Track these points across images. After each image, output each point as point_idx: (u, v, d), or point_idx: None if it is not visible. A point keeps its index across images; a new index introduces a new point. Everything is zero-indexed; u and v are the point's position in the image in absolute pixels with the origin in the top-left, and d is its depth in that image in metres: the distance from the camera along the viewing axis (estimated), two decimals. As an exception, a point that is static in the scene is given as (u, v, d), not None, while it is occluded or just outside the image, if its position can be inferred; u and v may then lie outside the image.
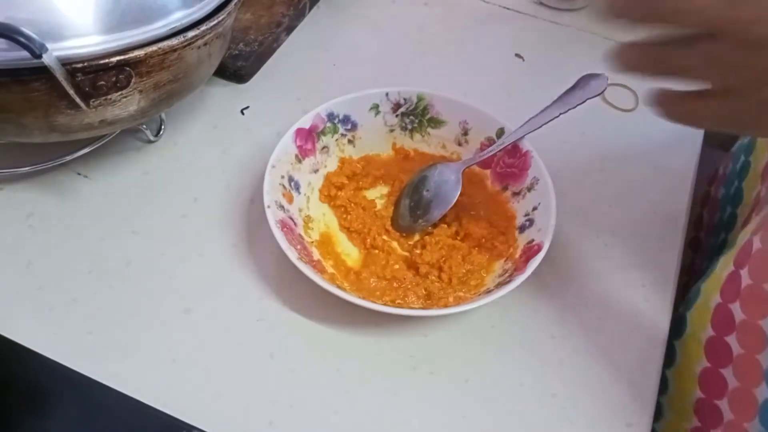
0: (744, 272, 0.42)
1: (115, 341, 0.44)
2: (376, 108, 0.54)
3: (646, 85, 0.34)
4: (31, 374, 0.44)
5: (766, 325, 0.41)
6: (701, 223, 0.59)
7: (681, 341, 0.48)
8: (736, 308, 0.43)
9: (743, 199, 0.52)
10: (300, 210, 0.50)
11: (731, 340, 0.43)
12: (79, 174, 0.53)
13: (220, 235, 0.50)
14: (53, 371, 0.43)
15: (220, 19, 0.48)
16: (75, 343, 0.44)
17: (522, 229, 0.49)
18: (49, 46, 0.40)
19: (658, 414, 0.50)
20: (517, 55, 0.65)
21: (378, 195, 0.54)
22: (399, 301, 0.46)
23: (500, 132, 0.53)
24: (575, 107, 0.50)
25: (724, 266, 0.45)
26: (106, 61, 0.42)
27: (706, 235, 0.58)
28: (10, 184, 0.52)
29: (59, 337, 0.44)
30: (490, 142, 0.53)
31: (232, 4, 0.50)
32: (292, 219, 0.48)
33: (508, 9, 0.72)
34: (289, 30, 0.66)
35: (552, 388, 0.44)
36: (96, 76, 0.42)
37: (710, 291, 0.46)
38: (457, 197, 0.51)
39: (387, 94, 0.54)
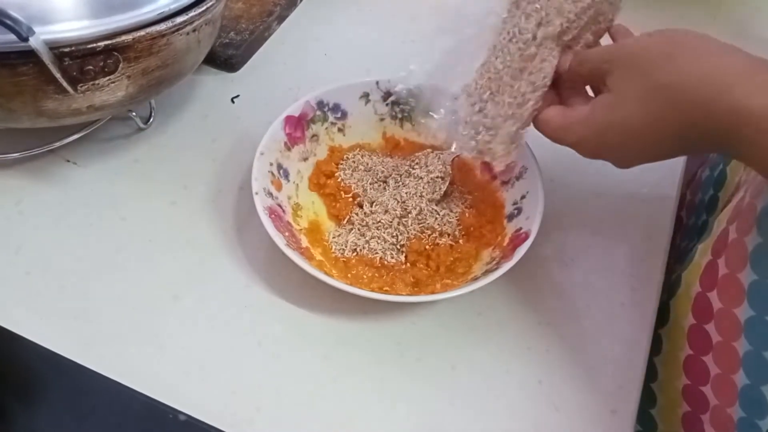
0: (721, 261, 0.43)
1: (102, 327, 0.44)
2: (366, 96, 0.54)
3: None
4: (18, 359, 0.44)
5: (740, 314, 0.41)
6: (683, 203, 0.59)
7: (666, 329, 0.48)
8: (713, 297, 0.43)
9: (726, 182, 0.53)
10: (289, 197, 0.50)
11: (710, 328, 0.44)
12: (68, 161, 0.53)
13: (208, 223, 0.50)
14: (40, 356, 0.43)
15: (209, 5, 0.48)
16: (62, 328, 0.44)
17: (510, 217, 0.49)
18: (36, 29, 0.40)
19: (652, 400, 0.50)
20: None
21: (367, 183, 0.54)
22: (387, 288, 0.46)
23: (490, 121, 0.53)
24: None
25: (702, 255, 0.46)
26: (94, 45, 0.42)
27: (688, 215, 0.59)
28: (-2, 170, 0.52)
29: (46, 322, 0.44)
30: (480, 131, 0.53)
31: (222, -10, 0.50)
32: (280, 206, 0.48)
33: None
34: (281, 19, 0.66)
35: (538, 375, 0.44)
36: (83, 60, 0.42)
37: (691, 280, 0.46)
38: (446, 186, 0.51)
39: (377, 83, 0.54)
